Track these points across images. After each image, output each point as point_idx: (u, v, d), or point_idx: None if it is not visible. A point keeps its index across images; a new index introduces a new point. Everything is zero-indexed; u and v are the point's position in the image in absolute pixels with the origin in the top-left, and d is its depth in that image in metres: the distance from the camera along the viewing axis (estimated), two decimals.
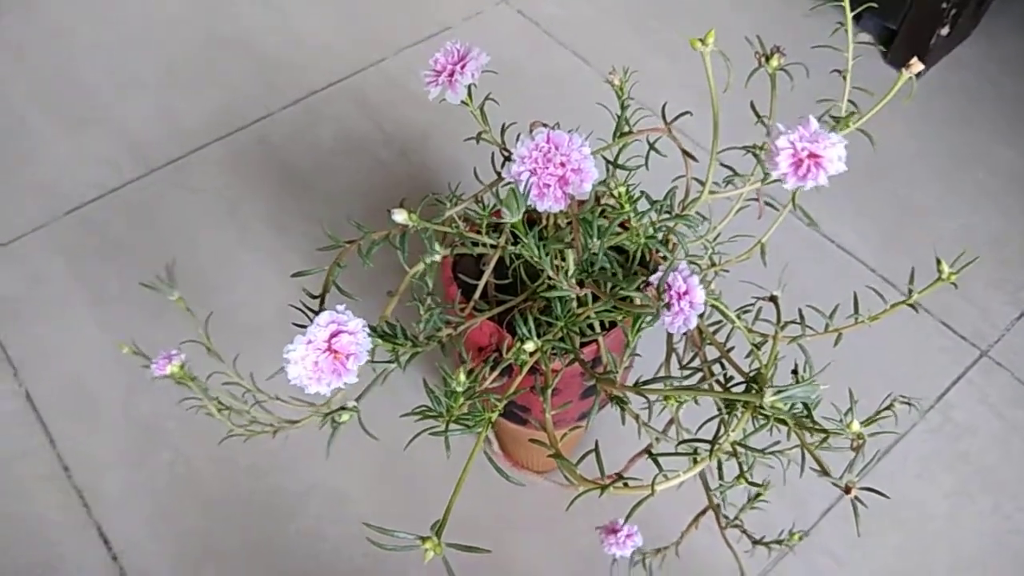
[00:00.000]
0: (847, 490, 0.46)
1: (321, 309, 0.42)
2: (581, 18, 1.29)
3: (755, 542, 0.68)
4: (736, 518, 0.66)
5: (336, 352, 0.40)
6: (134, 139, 1.13)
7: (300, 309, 0.46)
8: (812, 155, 0.46)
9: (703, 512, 0.66)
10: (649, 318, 0.50)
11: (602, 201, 0.62)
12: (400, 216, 0.51)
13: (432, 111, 1.15)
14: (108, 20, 1.28)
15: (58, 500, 0.83)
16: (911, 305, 0.53)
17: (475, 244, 0.60)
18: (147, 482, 0.84)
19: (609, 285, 0.48)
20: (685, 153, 0.62)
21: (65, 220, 1.04)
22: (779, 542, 0.67)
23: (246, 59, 1.23)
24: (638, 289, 0.44)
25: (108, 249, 1.02)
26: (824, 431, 0.49)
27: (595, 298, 0.55)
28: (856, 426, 0.46)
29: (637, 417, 0.57)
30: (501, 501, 0.83)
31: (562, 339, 0.57)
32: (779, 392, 0.40)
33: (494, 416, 0.50)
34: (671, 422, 0.66)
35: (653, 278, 0.48)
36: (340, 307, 0.41)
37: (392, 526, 0.48)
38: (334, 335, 0.40)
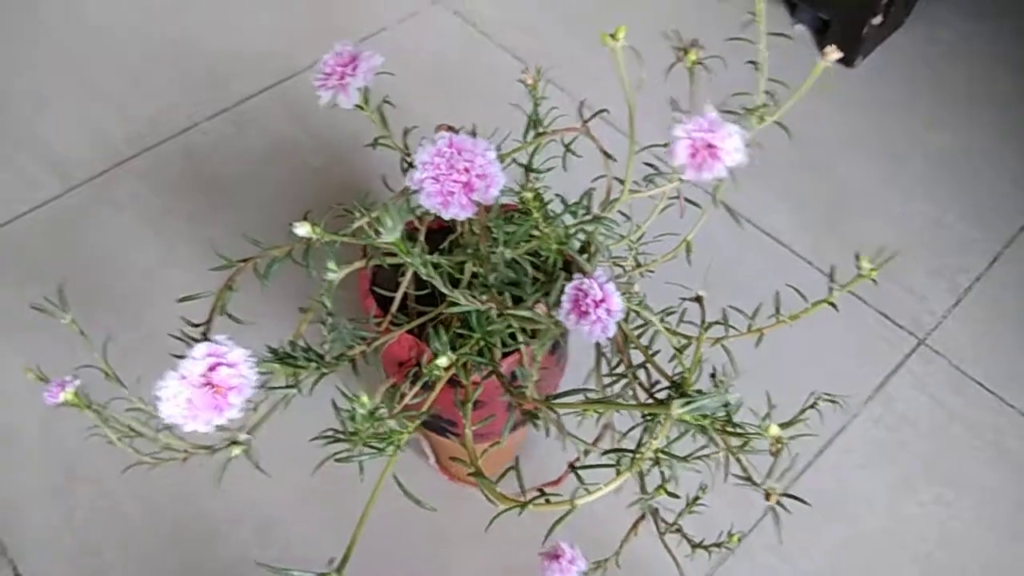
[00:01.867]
0: (767, 496, 0.45)
1: (205, 337, 0.39)
2: (517, 18, 1.27)
3: (694, 546, 0.67)
4: (674, 523, 0.64)
5: (216, 386, 0.37)
6: (53, 155, 1.08)
7: (181, 339, 0.43)
8: (709, 145, 0.44)
9: (640, 520, 0.64)
10: (548, 332, 0.48)
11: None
12: (303, 230, 0.49)
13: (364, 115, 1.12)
14: (27, 32, 1.22)
15: None
16: (831, 304, 0.52)
17: (388, 255, 0.57)
18: (67, 517, 0.80)
19: (511, 298, 0.46)
20: (604, 152, 0.60)
21: None
22: (718, 545, 0.66)
23: (171, 68, 1.18)
24: (535, 303, 0.42)
25: (27, 272, 0.97)
26: (744, 435, 0.47)
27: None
28: (775, 430, 0.45)
29: (560, 428, 0.55)
30: (440, 515, 0.80)
31: (480, 352, 0.55)
32: (688, 403, 0.39)
33: (404, 439, 0.48)
34: (606, 427, 0.65)
35: (571, 286, 0.46)
36: (221, 336, 0.38)
37: (325, 547, 0.46)
38: (212, 368, 0.37)
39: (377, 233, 0.36)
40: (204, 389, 0.37)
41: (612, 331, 0.46)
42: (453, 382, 0.57)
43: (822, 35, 1.23)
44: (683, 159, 0.42)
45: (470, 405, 0.54)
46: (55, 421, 0.85)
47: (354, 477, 0.80)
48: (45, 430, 0.85)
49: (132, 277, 0.97)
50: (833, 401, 0.53)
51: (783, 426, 0.48)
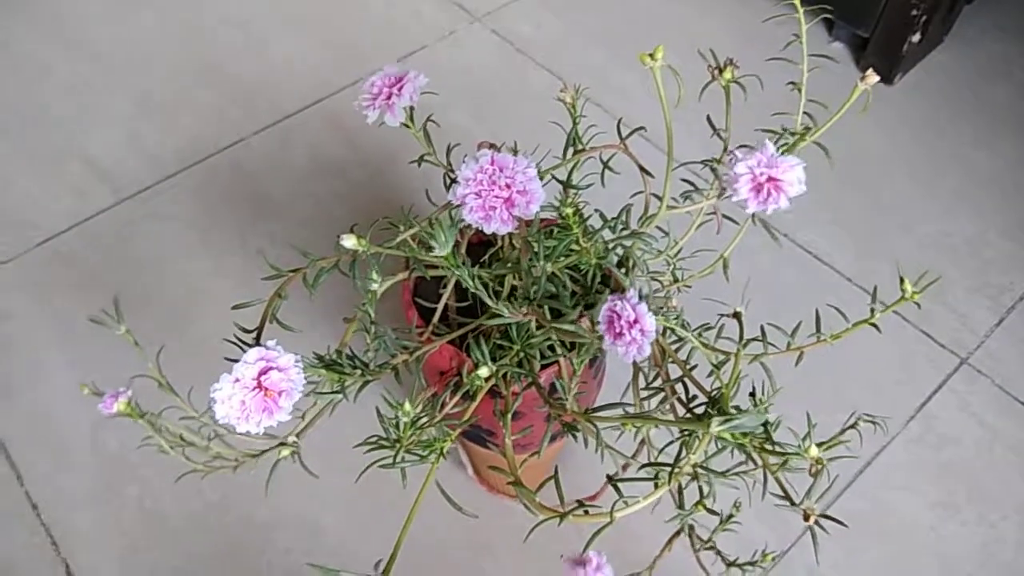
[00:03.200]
0: (806, 517, 0.45)
1: (257, 342, 0.41)
2: (554, 35, 1.29)
3: (729, 564, 0.66)
4: (709, 540, 0.64)
5: (267, 389, 0.38)
6: (106, 169, 1.12)
7: (235, 343, 0.45)
8: (771, 179, 0.45)
9: (675, 535, 0.64)
10: (589, 346, 0.48)
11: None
12: (349, 242, 0.50)
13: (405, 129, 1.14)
14: (81, 48, 1.28)
15: (25, 538, 0.81)
16: (874, 325, 0.52)
17: (430, 267, 0.59)
18: (116, 518, 0.83)
19: (548, 311, 0.47)
20: (642, 169, 0.61)
21: (36, 252, 1.03)
22: (752, 564, 0.65)
23: (219, 84, 1.23)
24: (579, 317, 0.43)
25: (78, 281, 1.01)
26: (783, 454, 0.47)
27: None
28: (814, 451, 0.45)
29: (599, 441, 0.56)
30: (477, 525, 0.81)
31: (520, 363, 0.56)
32: (727, 421, 0.39)
33: (446, 446, 0.49)
34: (643, 442, 0.65)
35: (605, 307, 0.47)
36: (271, 342, 0.40)
37: (367, 555, 0.47)
38: (263, 372, 0.38)
39: (428, 248, 0.37)
40: (256, 392, 0.39)
41: (647, 351, 0.46)
42: (493, 393, 0.58)
43: (860, 52, 1.22)
44: (746, 194, 0.43)
45: (510, 416, 0.54)
46: (105, 423, 0.88)
47: (399, 483, 0.81)
48: (96, 432, 0.88)
49: (180, 288, 1.00)
50: (873, 422, 0.53)
51: (822, 446, 0.48)
